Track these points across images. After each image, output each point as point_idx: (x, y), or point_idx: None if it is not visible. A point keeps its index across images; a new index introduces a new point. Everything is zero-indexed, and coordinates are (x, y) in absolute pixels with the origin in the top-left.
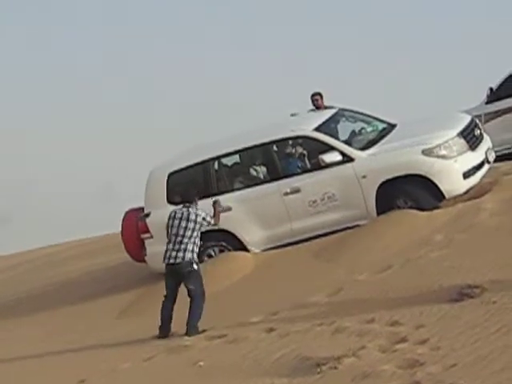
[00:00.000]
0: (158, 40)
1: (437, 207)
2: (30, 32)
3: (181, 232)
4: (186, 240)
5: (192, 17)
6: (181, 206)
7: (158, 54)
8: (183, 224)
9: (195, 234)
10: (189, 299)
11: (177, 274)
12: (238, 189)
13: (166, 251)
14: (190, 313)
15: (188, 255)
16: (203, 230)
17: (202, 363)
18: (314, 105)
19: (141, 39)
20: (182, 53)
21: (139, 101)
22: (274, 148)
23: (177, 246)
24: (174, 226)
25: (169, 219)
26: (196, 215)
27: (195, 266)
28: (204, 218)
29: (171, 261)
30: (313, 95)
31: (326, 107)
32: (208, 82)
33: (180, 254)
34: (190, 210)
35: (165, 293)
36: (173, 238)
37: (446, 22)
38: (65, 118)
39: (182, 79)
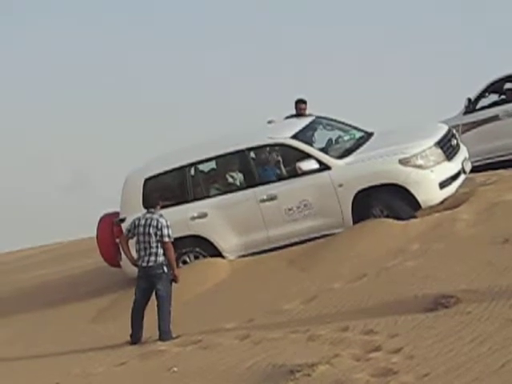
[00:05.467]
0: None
1: (413, 217)
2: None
3: (147, 238)
4: (153, 245)
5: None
6: (144, 213)
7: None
8: (147, 230)
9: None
10: (156, 303)
11: (149, 276)
12: (215, 195)
13: (139, 258)
14: (159, 317)
15: (159, 258)
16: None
17: (175, 368)
18: (297, 111)
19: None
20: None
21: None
22: (251, 155)
23: (148, 251)
24: (140, 234)
25: (134, 227)
26: (157, 221)
27: (165, 269)
28: (162, 228)
29: (144, 264)
30: (298, 102)
31: (304, 115)
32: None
33: (152, 258)
34: (153, 216)
35: (134, 298)
36: (142, 245)
37: (425, 31)
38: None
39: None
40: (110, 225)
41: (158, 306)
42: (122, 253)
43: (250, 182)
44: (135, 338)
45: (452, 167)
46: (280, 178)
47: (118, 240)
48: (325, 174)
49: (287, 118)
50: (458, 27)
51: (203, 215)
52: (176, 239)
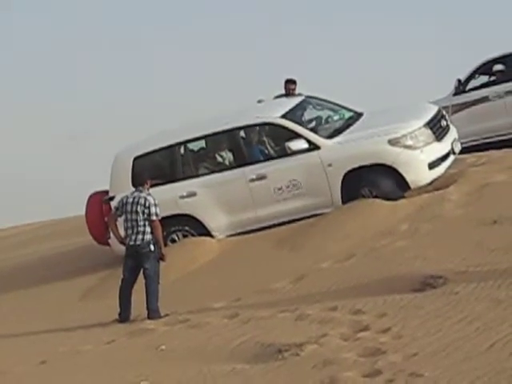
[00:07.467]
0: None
1: (402, 197)
2: None
3: (134, 217)
4: (141, 223)
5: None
6: (133, 191)
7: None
8: (134, 208)
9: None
10: (144, 281)
11: (136, 255)
12: (204, 174)
13: (126, 236)
14: (147, 296)
15: (147, 237)
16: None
17: (163, 347)
18: (287, 92)
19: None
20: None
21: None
22: (241, 134)
23: (135, 230)
24: (127, 212)
25: (122, 205)
26: (145, 200)
27: (152, 247)
28: (150, 206)
29: (131, 243)
30: (287, 82)
31: (294, 95)
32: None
33: (139, 237)
34: (141, 194)
35: (122, 276)
36: (129, 224)
37: (419, 15)
38: None
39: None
40: (99, 203)
41: (145, 284)
42: (110, 231)
43: (240, 162)
44: (123, 317)
45: (441, 148)
46: (269, 158)
47: (106, 218)
48: (314, 153)
49: (277, 97)
50: (452, 8)
51: (192, 194)
52: (165, 218)
